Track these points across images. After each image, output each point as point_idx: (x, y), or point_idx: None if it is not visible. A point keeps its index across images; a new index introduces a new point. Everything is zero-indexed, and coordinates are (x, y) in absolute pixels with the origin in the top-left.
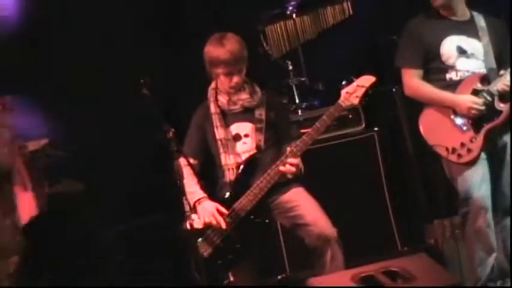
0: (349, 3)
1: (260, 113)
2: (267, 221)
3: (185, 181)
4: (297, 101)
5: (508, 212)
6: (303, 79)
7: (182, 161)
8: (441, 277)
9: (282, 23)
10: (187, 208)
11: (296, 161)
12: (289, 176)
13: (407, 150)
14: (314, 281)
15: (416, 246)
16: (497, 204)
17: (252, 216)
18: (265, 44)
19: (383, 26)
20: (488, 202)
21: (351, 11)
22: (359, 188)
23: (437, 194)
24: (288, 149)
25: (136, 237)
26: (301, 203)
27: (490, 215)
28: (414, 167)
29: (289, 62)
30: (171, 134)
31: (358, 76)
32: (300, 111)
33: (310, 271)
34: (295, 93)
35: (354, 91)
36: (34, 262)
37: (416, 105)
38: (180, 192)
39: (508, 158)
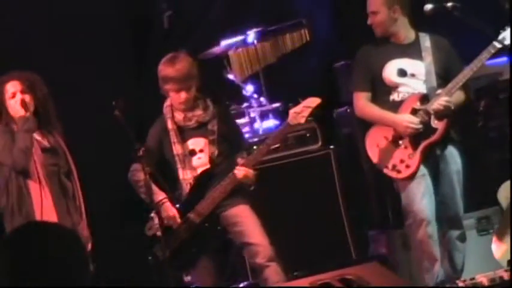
0: (306, 30)
1: (212, 125)
2: (219, 227)
3: (142, 185)
4: (258, 121)
5: (452, 223)
6: (263, 101)
7: (139, 168)
8: (394, 283)
9: (244, 49)
10: (156, 220)
11: (250, 170)
12: (243, 180)
13: (362, 166)
14: None
15: (369, 255)
16: (442, 216)
17: (206, 224)
18: (228, 69)
19: (340, 51)
20: (430, 214)
21: (308, 38)
22: (317, 202)
23: (389, 206)
24: (240, 160)
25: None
26: (245, 221)
27: (432, 226)
28: (368, 182)
29: (251, 85)
30: (141, 152)
31: (304, 98)
32: (260, 131)
33: None
34: (256, 114)
35: (300, 111)
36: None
37: (371, 125)
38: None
39: (449, 172)
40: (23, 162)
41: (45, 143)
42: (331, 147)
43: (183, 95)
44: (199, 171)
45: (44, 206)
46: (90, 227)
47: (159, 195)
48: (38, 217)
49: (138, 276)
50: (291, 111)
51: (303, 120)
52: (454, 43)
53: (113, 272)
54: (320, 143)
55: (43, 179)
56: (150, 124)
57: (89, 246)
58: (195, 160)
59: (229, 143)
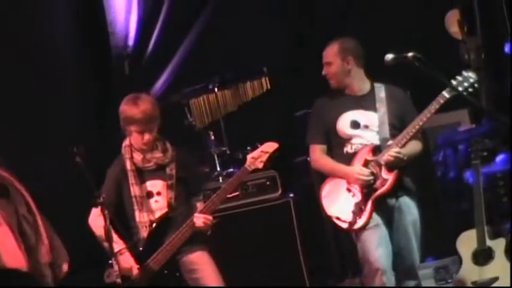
0: (267, 79)
1: (171, 169)
2: (177, 274)
3: (101, 232)
4: (218, 168)
5: (408, 274)
6: (224, 148)
7: (98, 213)
8: None
9: (204, 96)
10: (116, 268)
11: (209, 217)
12: (202, 228)
13: (321, 214)
14: None
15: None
16: (398, 267)
17: (165, 271)
18: (189, 116)
19: (300, 100)
20: (385, 264)
21: (268, 86)
22: (276, 249)
23: (347, 255)
24: (198, 205)
25: None
26: (203, 268)
27: (388, 275)
28: (327, 230)
29: (211, 133)
30: (101, 199)
31: (262, 143)
32: (220, 178)
33: None
34: (217, 161)
35: (258, 156)
36: None
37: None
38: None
39: (404, 222)
40: None
41: None
42: (291, 195)
43: (146, 136)
44: (156, 214)
45: (8, 249)
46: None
47: (118, 245)
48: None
49: None
50: (249, 156)
51: (260, 166)
52: (414, 93)
53: None
54: (280, 191)
55: (3, 222)
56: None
57: (65, 267)
58: (153, 203)
59: (187, 187)
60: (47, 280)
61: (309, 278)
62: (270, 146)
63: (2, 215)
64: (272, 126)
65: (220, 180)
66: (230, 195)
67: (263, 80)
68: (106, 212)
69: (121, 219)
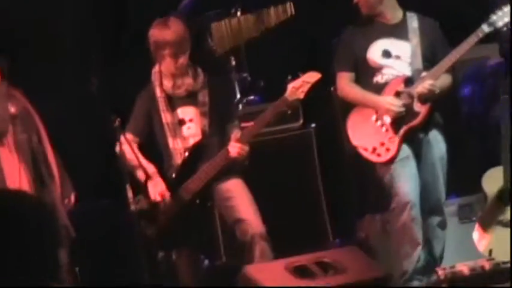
0: (291, 4)
1: (203, 95)
2: (209, 204)
3: (130, 159)
4: (238, 96)
5: (433, 210)
6: (244, 75)
7: (124, 140)
8: (371, 269)
9: (226, 20)
10: (130, 194)
11: (245, 147)
12: (237, 158)
13: (343, 147)
14: (250, 269)
15: (348, 239)
16: (423, 202)
17: (198, 200)
18: (210, 40)
19: (325, 28)
20: (414, 198)
21: (293, 12)
22: (295, 182)
23: (369, 190)
24: (234, 135)
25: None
26: (238, 196)
27: (416, 210)
28: (348, 164)
29: (232, 58)
30: (117, 123)
31: (303, 72)
32: (240, 105)
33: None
34: (237, 88)
35: (300, 86)
36: None
37: (354, 106)
38: (124, 178)
39: (432, 157)
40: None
41: (12, 110)
42: (313, 126)
43: (181, 59)
44: (190, 141)
45: (15, 175)
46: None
47: (149, 169)
48: (10, 185)
49: (123, 253)
50: (290, 86)
51: (301, 96)
52: (443, 25)
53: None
54: (301, 121)
55: (13, 147)
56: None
57: (72, 199)
58: (185, 130)
59: (221, 114)
60: (61, 214)
61: (328, 213)
62: (313, 76)
63: (15, 142)
64: (295, 54)
65: (240, 108)
66: (247, 125)
67: (287, 5)
68: (131, 135)
69: (153, 151)
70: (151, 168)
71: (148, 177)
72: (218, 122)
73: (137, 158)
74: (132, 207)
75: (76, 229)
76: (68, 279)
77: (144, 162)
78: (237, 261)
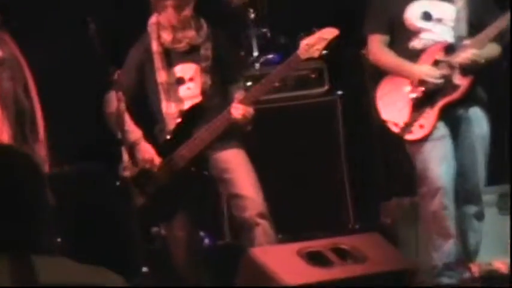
0: None
1: (206, 49)
2: (205, 172)
3: (115, 120)
4: (256, 53)
5: (469, 197)
6: (264, 30)
7: (114, 97)
8: (394, 260)
9: None
10: (125, 157)
11: (249, 109)
12: (240, 121)
13: (371, 120)
14: (256, 251)
15: (370, 224)
16: (458, 188)
17: (192, 168)
18: None
19: None
20: (447, 183)
21: None
22: (314, 155)
23: (398, 169)
24: (238, 95)
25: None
26: (237, 168)
27: (449, 197)
28: (376, 138)
29: (251, 10)
30: (116, 76)
31: (320, 28)
32: (257, 64)
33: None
34: (255, 45)
35: (314, 43)
36: None
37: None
38: (118, 140)
39: (471, 136)
40: None
41: None
42: (339, 93)
43: (186, 11)
44: (187, 104)
45: None
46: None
47: (135, 133)
48: None
49: (104, 219)
50: (303, 42)
51: (316, 54)
52: None
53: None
54: (326, 87)
55: None
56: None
57: (46, 167)
58: (183, 90)
59: (225, 72)
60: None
61: (350, 193)
62: (330, 32)
63: None
64: (323, 11)
65: (257, 67)
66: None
67: None
68: (121, 93)
69: (144, 114)
70: (137, 132)
71: (134, 142)
72: (221, 81)
73: (122, 119)
74: (122, 173)
75: (59, 196)
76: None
77: (130, 125)
78: (242, 242)
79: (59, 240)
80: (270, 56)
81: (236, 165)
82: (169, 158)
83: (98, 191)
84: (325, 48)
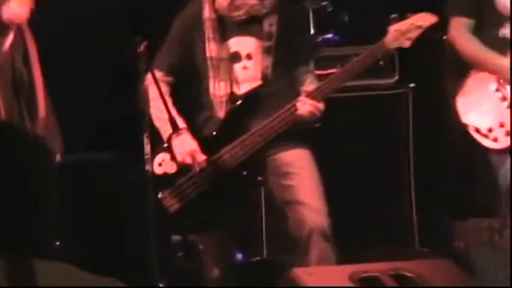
0: None
1: (270, 24)
2: (259, 178)
3: (154, 105)
4: (312, 31)
5: None
6: (324, 4)
7: (151, 78)
8: None
9: None
10: (147, 148)
11: (319, 105)
12: (307, 118)
13: (447, 122)
14: (299, 271)
15: (440, 247)
16: None
17: (244, 172)
18: None
19: None
20: None
21: None
22: (378, 160)
23: (477, 184)
24: (307, 86)
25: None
26: (300, 173)
27: None
28: (452, 145)
29: None
30: (142, 47)
31: (414, 13)
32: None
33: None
34: (312, 21)
35: (406, 30)
36: None
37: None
38: (143, 126)
39: None
40: None
41: None
42: (412, 85)
43: None
44: (243, 87)
45: None
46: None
47: (177, 121)
48: None
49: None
50: (392, 28)
51: (406, 44)
52: None
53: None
54: (396, 78)
55: None
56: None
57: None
58: (239, 70)
59: (292, 54)
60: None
61: (417, 208)
62: (426, 19)
63: None
64: None
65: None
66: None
67: None
68: (162, 73)
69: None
70: (181, 122)
71: (175, 132)
72: (286, 64)
73: (165, 105)
74: (148, 167)
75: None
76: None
77: (174, 112)
78: (284, 259)
79: (57, 243)
80: (329, 36)
81: (300, 169)
82: (216, 155)
83: (110, 188)
84: (418, 38)
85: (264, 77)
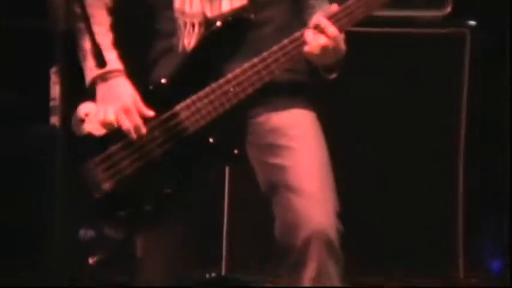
0: None
1: None
2: (235, 151)
3: (83, 34)
4: None
5: None
6: None
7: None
8: None
9: None
10: (55, 90)
11: (339, 36)
12: (319, 57)
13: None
14: None
15: (490, 277)
16: None
17: (211, 140)
18: None
19: None
20: None
21: None
22: (415, 131)
23: None
24: (316, 15)
25: None
26: (298, 146)
27: None
28: None
29: None
30: None
31: None
32: None
33: (262, 275)
34: None
35: None
36: None
37: None
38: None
39: None
40: None
41: None
42: (471, 23)
43: None
44: (224, 6)
45: None
46: None
47: (111, 61)
48: None
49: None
50: None
51: None
52: None
53: None
54: (448, 10)
55: None
56: None
57: None
58: None
59: None
60: None
61: (463, 224)
62: None
63: None
64: None
65: None
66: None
67: None
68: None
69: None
70: (115, 62)
71: (102, 74)
72: None
73: (92, 35)
74: (54, 119)
75: None
76: None
77: (108, 46)
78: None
79: None
80: None
81: (296, 139)
82: (170, 112)
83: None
84: None
85: None
